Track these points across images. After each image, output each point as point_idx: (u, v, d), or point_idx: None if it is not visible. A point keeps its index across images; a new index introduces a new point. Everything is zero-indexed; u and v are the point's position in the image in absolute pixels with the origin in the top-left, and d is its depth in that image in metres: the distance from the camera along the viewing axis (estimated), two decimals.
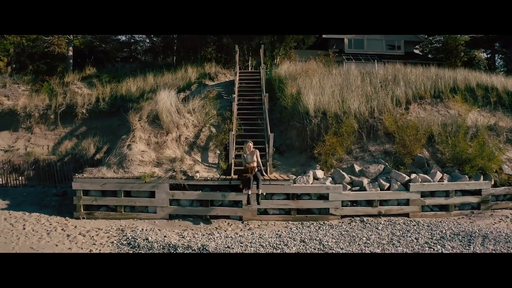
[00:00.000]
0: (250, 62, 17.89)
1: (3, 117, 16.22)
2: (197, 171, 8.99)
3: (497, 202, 9.85)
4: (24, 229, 8.30)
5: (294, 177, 9.15)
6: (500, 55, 30.82)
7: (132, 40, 26.44)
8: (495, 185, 9.99)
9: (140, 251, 6.88)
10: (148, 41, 26.07)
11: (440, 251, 7.19)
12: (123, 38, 25.39)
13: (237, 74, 13.22)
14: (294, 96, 11.34)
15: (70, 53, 20.03)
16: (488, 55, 31.72)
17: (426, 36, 32.29)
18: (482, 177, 9.88)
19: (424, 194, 9.25)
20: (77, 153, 13.68)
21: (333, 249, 6.86)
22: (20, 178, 13.53)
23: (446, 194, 9.38)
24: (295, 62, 17.82)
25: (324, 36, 28.56)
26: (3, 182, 13.09)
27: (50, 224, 8.54)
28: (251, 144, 9.11)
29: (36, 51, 21.47)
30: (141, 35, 26.57)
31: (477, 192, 9.66)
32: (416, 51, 36.26)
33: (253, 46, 17.05)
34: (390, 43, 31.08)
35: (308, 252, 6.83)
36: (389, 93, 11.61)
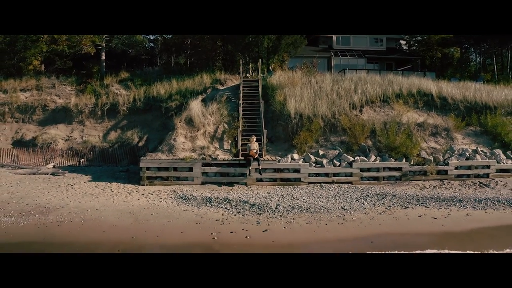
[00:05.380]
0: (250, 66, 23.24)
1: (57, 112, 21.74)
2: (218, 155, 14.69)
3: (414, 175, 15.55)
4: (112, 191, 13.95)
5: (279, 158, 14.86)
6: (471, 52, 36.12)
7: (146, 37, 31.40)
8: (414, 165, 15.66)
9: (190, 202, 12.53)
10: (161, 39, 30.80)
11: (362, 203, 12.86)
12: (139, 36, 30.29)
13: (241, 84, 18.73)
14: (281, 102, 16.91)
15: (103, 57, 25.37)
16: (463, 50, 36.91)
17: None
18: (404, 159, 15.55)
19: (362, 170, 14.95)
20: (124, 141, 19.33)
21: (298, 199, 12.60)
22: (81, 160, 19.16)
23: (377, 169, 15.09)
24: (286, 67, 23.31)
25: (315, 34, 33.64)
26: (74, 163, 18.71)
27: (127, 189, 14.21)
28: (254, 138, 14.78)
29: (65, 50, 26.31)
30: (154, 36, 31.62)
31: (399, 169, 15.34)
32: (403, 42, 41.49)
33: (253, 55, 22.40)
34: (374, 38, 36.08)
35: (288, 209, 12.50)
36: (348, 100, 17.17)
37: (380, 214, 11.85)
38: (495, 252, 8.74)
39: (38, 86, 23.32)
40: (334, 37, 34.89)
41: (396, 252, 8.68)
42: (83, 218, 11.21)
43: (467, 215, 12.01)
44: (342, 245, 9.45)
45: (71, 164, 18.45)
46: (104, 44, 25.11)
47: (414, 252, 8.56)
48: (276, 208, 11.83)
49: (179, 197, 13.03)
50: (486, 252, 8.85)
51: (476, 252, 8.74)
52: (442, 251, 8.83)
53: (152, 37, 31.82)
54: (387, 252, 8.65)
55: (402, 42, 41.06)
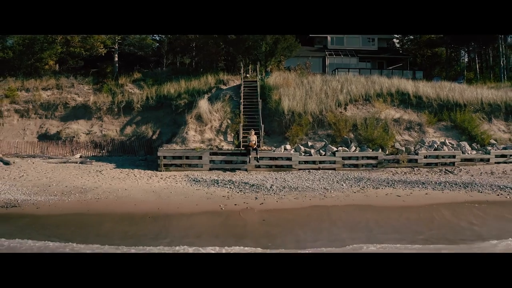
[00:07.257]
0: (250, 67, 26.38)
1: (77, 109, 24.85)
2: (223, 145, 17.92)
3: (388, 163, 18.73)
4: (135, 176, 17.13)
5: (274, 148, 18.11)
6: (458, 51, 39.23)
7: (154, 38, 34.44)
8: (388, 154, 18.84)
9: (201, 183, 15.74)
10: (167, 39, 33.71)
11: (342, 184, 16.06)
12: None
13: (242, 85, 21.91)
14: (276, 101, 20.11)
15: (116, 58, 28.50)
16: (449, 50, 39.98)
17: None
18: (380, 150, 18.74)
19: (344, 158, 18.17)
20: (139, 134, 22.54)
21: (289, 181, 15.83)
22: (102, 151, 22.36)
23: (357, 158, 18.31)
24: (282, 66, 26.49)
25: (310, 34, 36.68)
26: (96, 154, 21.90)
27: (148, 174, 17.39)
28: (253, 131, 17.99)
29: (82, 53, 29.33)
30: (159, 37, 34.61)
31: (375, 158, 18.54)
32: (396, 40, 44.65)
33: (252, 58, 25.56)
34: (367, 38, 39.02)
35: (282, 197, 15.70)
36: (334, 99, 20.36)
37: (354, 193, 15.04)
38: (494, 252, 9.19)
39: (58, 85, 26.39)
40: (329, 37, 37.86)
41: (395, 252, 9.10)
42: (116, 196, 14.33)
43: (426, 194, 15.13)
44: (321, 209, 12.77)
45: (94, 154, 21.65)
46: (117, 47, 28.19)
47: (412, 252, 9.10)
48: (270, 187, 15.05)
49: (191, 180, 16.23)
50: (486, 252, 9.15)
51: (475, 252, 9.12)
52: (440, 251, 9.17)
53: (158, 38, 34.82)
54: (385, 252, 9.12)
55: (395, 40, 44.20)
